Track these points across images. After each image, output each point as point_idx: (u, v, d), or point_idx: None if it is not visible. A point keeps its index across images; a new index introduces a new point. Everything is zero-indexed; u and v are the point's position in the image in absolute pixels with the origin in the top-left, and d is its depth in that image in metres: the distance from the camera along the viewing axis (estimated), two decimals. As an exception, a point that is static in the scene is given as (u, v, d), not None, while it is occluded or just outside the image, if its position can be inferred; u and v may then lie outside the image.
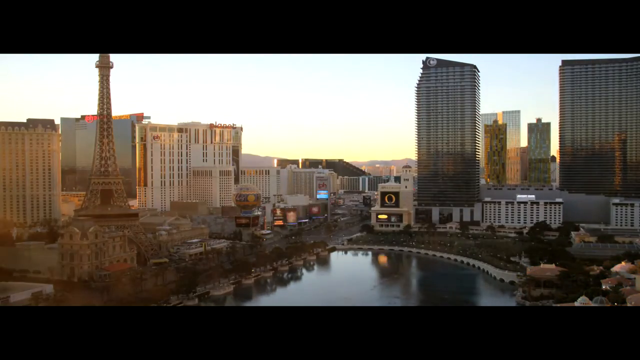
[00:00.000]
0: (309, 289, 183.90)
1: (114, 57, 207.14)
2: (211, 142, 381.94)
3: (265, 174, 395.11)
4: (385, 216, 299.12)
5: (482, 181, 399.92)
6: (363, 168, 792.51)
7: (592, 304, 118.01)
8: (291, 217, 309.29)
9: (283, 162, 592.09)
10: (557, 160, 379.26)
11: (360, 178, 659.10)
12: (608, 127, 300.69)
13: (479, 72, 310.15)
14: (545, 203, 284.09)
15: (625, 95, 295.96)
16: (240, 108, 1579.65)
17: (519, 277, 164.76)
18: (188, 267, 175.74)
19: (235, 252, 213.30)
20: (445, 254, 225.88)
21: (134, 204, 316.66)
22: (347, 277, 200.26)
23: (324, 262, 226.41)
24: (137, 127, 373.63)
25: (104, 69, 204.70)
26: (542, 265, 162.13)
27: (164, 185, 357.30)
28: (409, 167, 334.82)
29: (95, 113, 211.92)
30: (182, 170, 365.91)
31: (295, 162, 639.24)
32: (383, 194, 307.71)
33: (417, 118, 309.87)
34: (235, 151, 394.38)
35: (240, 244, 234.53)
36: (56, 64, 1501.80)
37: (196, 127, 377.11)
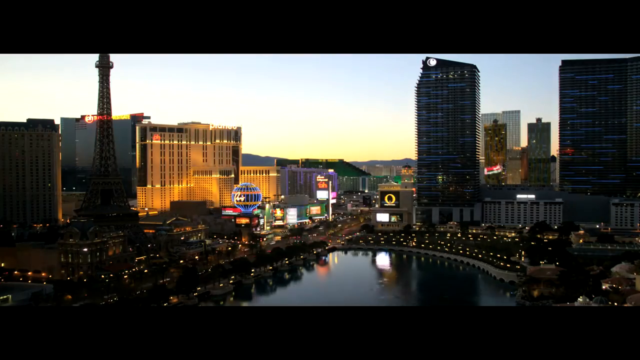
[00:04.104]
0: (309, 289, 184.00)
1: (114, 57, 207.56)
2: (211, 142, 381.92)
3: (265, 173, 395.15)
4: (385, 216, 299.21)
5: (482, 181, 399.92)
6: (363, 168, 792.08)
7: (592, 304, 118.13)
8: (291, 217, 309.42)
9: (283, 162, 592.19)
10: (557, 160, 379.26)
11: (360, 178, 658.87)
12: (608, 127, 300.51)
13: (479, 72, 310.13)
14: (545, 203, 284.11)
15: (625, 95, 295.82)
16: (240, 108, 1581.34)
17: (519, 277, 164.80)
18: (188, 267, 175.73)
19: (235, 252, 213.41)
20: (445, 254, 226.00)
21: (134, 204, 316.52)
22: (346, 277, 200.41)
23: (323, 262, 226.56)
24: (137, 127, 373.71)
25: (104, 69, 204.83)
26: (542, 265, 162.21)
27: (164, 185, 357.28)
28: (409, 167, 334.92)
29: (95, 113, 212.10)
30: (182, 170, 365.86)
31: (295, 162, 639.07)
32: (383, 194, 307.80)
33: (417, 118, 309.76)
34: (235, 151, 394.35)
35: (240, 243, 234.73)
36: (56, 64, 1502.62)
37: (196, 127, 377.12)
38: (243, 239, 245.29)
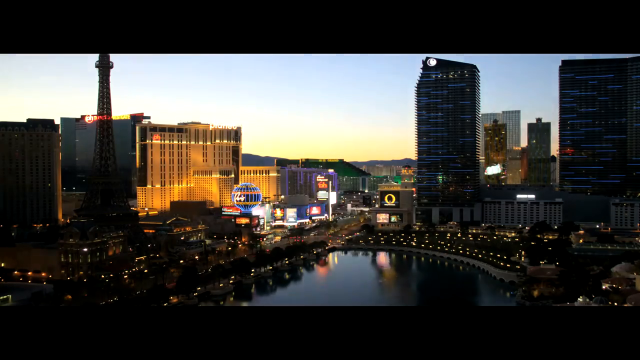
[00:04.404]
0: (309, 289, 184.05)
1: (114, 57, 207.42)
2: (211, 142, 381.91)
3: (265, 173, 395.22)
4: (385, 216, 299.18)
5: (482, 181, 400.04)
6: (363, 168, 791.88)
7: (592, 304, 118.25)
8: (291, 217, 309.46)
9: (283, 162, 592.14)
10: (557, 160, 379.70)
11: (360, 178, 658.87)
12: (608, 127, 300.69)
13: (479, 72, 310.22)
14: (545, 203, 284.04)
15: (625, 95, 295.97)
16: (240, 108, 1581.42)
17: (519, 277, 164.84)
18: (188, 267, 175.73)
19: (235, 252, 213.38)
20: (445, 254, 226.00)
21: (134, 204, 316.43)
22: (346, 277, 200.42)
23: (323, 262, 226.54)
24: (137, 127, 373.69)
25: (104, 69, 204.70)
26: (542, 265, 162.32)
27: (164, 185, 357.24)
28: (409, 167, 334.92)
29: (95, 113, 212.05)
30: (182, 170, 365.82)
31: (295, 162, 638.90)
32: (383, 194, 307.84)
33: (417, 118, 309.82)
34: (235, 151, 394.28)
35: (240, 243, 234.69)
36: (56, 64, 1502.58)
37: (196, 127, 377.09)
38: (243, 239, 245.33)
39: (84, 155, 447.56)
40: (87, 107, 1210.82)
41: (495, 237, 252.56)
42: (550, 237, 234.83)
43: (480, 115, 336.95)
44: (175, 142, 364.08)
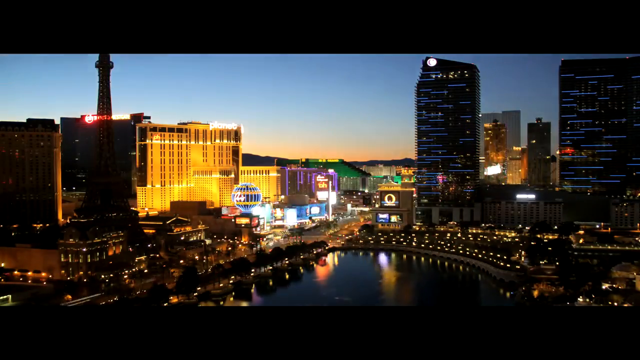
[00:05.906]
0: (309, 289, 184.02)
1: (114, 57, 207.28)
2: (211, 142, 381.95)
3: (266, 173, 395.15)
4: (385, 216, 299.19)
5: (482, 181, 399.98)
6: (363, 168, 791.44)
7: (592, 304, 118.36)
8: (291, 217, 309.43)
9: (283, 162, 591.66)
10: (557, 160, 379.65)
11: (360, 178, 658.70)
12: (608, 127, 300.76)
13: (479, 72, 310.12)
14: (545, 203, 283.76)
15: (625, 95, 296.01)
16: (240, 108, 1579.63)
17: (519, 277, 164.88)
18: (188, 267, 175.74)
19: (235, 252, 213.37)
20: (445, 254, 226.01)
21: (134, 204, 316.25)
22: (346, 277, 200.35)
23: (323, 262, 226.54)
24: (137, 127, 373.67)
25: (104, 69, 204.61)
26: (542, 265, 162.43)
27: (164, 185, 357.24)
28: (409, 167, 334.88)
29: (95, 113, 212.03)
30: (182, 170, 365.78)
31: (295, 162, 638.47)
32: (383, 194, 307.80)
33: (417, 118, 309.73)
34: (235, 151, 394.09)
35: (240, 243, 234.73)
36: (56, 64, 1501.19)
37: (196, 127, 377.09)
38: (243, 239, 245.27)
39: (84, 155, 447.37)
40: (87, 107, 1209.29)
41: (495, 237, 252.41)
42: (550, 237, 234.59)
43: (480, 115, 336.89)
44: (175, 142, 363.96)
